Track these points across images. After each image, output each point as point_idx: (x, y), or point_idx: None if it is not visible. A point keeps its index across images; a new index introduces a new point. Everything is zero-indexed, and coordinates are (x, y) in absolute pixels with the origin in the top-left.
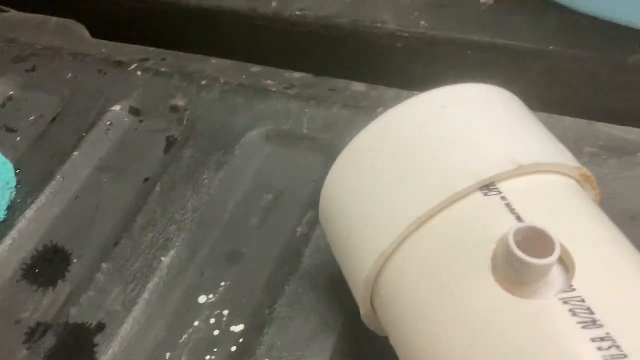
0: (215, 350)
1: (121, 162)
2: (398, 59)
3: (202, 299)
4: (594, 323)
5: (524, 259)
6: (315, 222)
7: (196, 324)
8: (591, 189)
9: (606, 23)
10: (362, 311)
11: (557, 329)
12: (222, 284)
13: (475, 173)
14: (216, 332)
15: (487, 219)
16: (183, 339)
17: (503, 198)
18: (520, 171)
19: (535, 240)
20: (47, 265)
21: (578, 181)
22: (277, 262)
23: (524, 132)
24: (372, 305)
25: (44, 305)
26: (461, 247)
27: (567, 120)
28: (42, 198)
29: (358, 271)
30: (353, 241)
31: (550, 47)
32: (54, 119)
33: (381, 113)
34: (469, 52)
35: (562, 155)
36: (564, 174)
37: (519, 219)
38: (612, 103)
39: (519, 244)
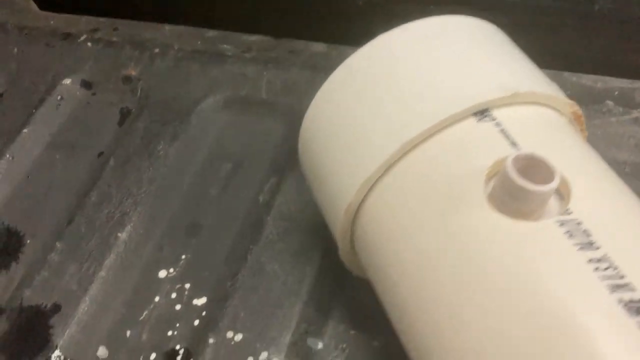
0: (177, 325)
1: (74, 138)
2: (359, 17)
3: (162, 274)
4: (590, 245)
5: (526, 186)
6: (277, 189)
7: (157, 299)
8: (580, 129)
9: None
10: (340, 245)
11: (553, 249)
12: (183, 257)
13: (469, 97)
14: (178, 307)
15: (481, 144)
16: (143, 316)
17: (497, 124)
18: (515, 99)
19: (532, 168)
20: None
21: (569, 120)
22: (238, 232)
23: (516, 63)
24: (352, 241)
25: None
26: (453, 172)
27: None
28: None
29: (340, 199)
30: (336, 168)
31: None
32: (1, 95)
33: None
34: (432, 7)
35: (556, 90)
36: (556, 109)
37: (514, 145)
38: (578, 52)
39: (517, 171)
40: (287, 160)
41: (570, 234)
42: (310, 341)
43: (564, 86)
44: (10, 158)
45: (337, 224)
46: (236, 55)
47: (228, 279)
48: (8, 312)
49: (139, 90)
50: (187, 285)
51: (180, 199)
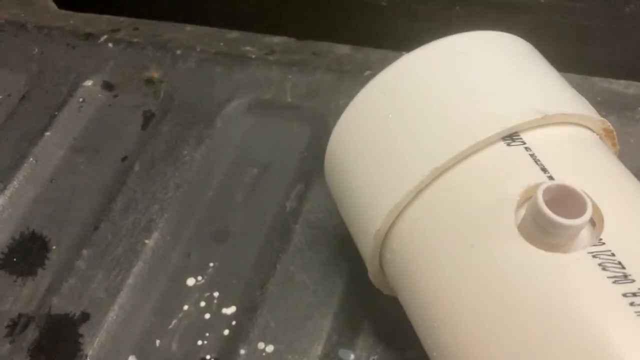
0: (207, 334)
1: (97, 141)
2: (383, 18)
3: (191, 282)
4: (625, 277)
5: (556, 220)
6: (304, 196)
7: (185, 307)
8: (612, 144)
9: None
10: (370, 268)
11: (587, 283)
12: (210, 264)
13: (498, 121)
14: (207, 316)
15: (511, 170)
16: (172, 325)
17: (527, 148)
18: (545, 121)
19: (564, 198)
20: (25, 254)
21: (600, 135)
22: (266, 239)
23: (545, 82)
24: (381, 262)
25: (24, 295)
26: (483, 199)
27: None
28: (15, 183)
29: (369, 224)
30: (364, 193)
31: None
32: (22, 97)
33: (368, 77)
34: (457, 7)
35: (586, 107)
36: (587, 127)
37: (544, 170)
38: (608, 56)
39: (547, 202)
40: (314, 165)
41: (603, 267)
42: (341, 353)
43: (593, 92)
44: (34, 162)
45: (366, 248)
46: (259, 58)
47: (257, 288)
48: (37, 320)
49: (162, 93)
50: (216, 294)
51: (206, 204)
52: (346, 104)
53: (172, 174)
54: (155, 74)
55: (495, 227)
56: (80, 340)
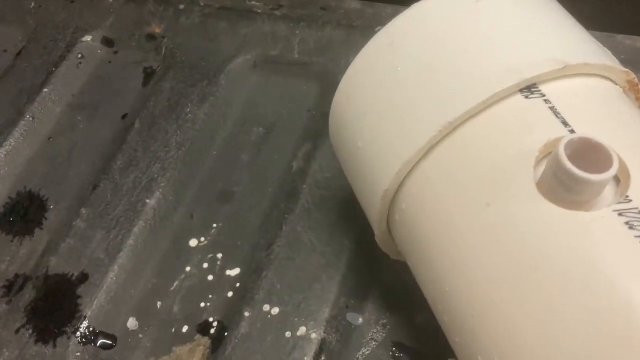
0: (210, 296)
1: (96, 98)
2: None
3: (193, 243)
4: None
5: (580, 175)
6: (312, 156)
7: (188, 269)
8: (635, 99)
9: None
10: (377, 230)
11: (612, 243)
12: (214, 225)
13: (515, 72)
14: (210, 277)
15: (530, 124)
16: (174, 286)
17: (547, 101)
18: (566, 72)
19: (586, 152)
20: (22, 213)
21: (623, 89)
22: (272, 200)
23: (565, 32)
24: (389, 224)
25: (21, 255)
26: (499, 155)
27: None
28: (12, 140)
29: (376, 184)
30: (371, 151)
31: None
32: (19, 53)
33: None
34: None
35: (609, 58)
36: (610, 80)
37: (565, 124)
38: (633, 14)
39: (569, 157)
40: (322, 124)
41: (630, 225)
42: (350, 316)
43: (617, 50)
44: (30, 119)
45: (373, 210)
46: (266, 13)
47: (263, 250)
48: (34, 281)
49: (164, 49)
50: (220, 256)
51: (210, 164)
52: None
53: (175, 132)
54: (157, 30)
55: (512, 185)
56: (79, 301)
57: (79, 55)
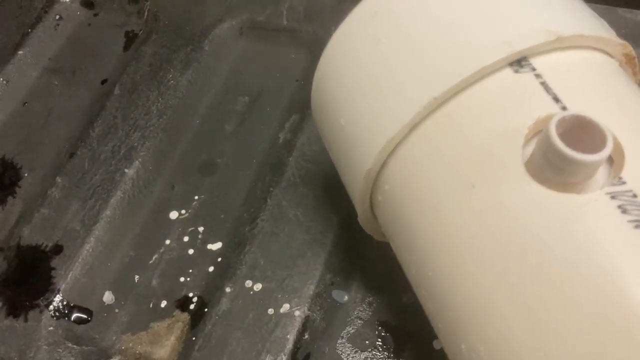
0: (190, 270)
1: (74, 62)
2: None
3: (174, 215)
4: None
5: (571, 155)
6: (299, 127)
7: (167, 242)
8: (632, 73)
9: None
10: (359, 211)
11: (605, 227)
12: (196, 197)
13: (504, 44)
14: (191, 251)
15: (519, 100)
16: (153, 259)
17: (537, 75)
18: (558, 44)
19: (578, 130)
20: None
21: (620, 62)
22: (257, 172)
23: (560, 1)
24: (372, 205)
25: None
26: (486, 133)
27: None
28: None
29: (358, 163)
30: (353, 128)
31: None
32: None
33: None
34: None
35: (605, 30)
36: (606, 53)
37: (556, 100)
38: None
39: (560, 136)
40: (310, 95)
41: (623, 209)
42: (335, 294)
43: (617, 23)
44: (4, 82)
45: (356, 190)
46: None
47: (246, 224)
48: (6, 251)
49: (146, 12)
50: (201, 229)
51: (192, 134)
52: None
53: (156, 99)
54: None
55: (499, 165)
56: (53, 273)
57: (57, 17)
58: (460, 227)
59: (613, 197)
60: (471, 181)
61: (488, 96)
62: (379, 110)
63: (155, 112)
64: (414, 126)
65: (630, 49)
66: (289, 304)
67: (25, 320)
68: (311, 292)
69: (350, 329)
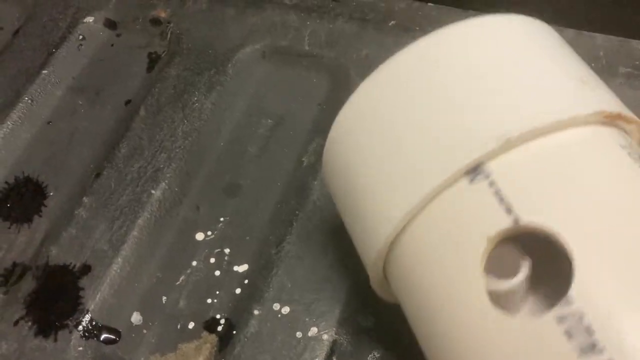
0: (217, 292)
1: (97, 82)
2: None
3: (200, 236)
4: (592, 348)
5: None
6: (322, 151)
7: (194, 263)
8: (637, 130)
9: None
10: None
11: (550, 355)
12: (221, 219)
13: (458, 155)
14: (217, 273)
15: (474, 215)
16: (180, 281)
17: (491, 183)
18: (509, 145)
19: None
20: (19, 199)
21: (616, 126)
22: (281, 195)
23: (541, 77)
24: (385, 273)
25: (19, 243)
26: (450, 247)
27: (599, 38)
28: (9, 123)
29: (368, 251)
30: (354, 227)
31: None
32: (16, 32)
33: (393, 27)
34: None
35: (584, 99)
36: (590, 123)
37: (509, 211)
38: None
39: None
40: (332, 119)
41: (569, 334)
42: (361, 318)
43: (631, 55)
44: (29, 101)
45: (368, 265)
46: (275, 2)
47: (272, 246)
48: (34, 270)
49: (169, 34)
50: (227, 250)
51: (217, 156)
52: (368, 55)
53: (181, 121)
54: (163, 14)
55: (462, 281)
56: (81, 293)
57: (80, 37)
58: (434, 328)
59: (560, 321)
60: (445, 291)
61: (449, 209)
62: (363, 223)
63: (180, 134)
64: (393, 239)
65: (627, 113)
66: (317, 327)
67: (55, 340)
68: (338, 317)
69: (377, 353)
